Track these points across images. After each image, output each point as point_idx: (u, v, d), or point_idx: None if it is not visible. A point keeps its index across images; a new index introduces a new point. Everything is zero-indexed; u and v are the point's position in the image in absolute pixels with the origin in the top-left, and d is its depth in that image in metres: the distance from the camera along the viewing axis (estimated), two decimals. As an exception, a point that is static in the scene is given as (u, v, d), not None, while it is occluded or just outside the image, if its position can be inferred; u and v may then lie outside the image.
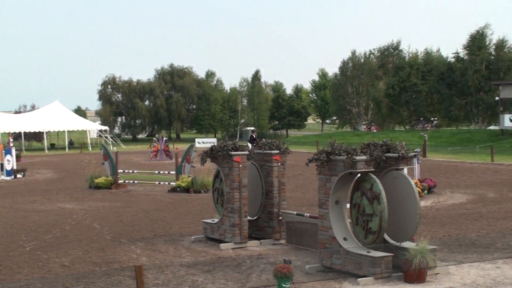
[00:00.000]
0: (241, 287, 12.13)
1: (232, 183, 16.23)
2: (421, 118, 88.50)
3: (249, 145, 40.93)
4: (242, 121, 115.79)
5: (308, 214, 15.89)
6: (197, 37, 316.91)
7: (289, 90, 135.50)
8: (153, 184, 32.22)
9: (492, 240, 16.47)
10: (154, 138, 60.65)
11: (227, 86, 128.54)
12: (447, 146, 61.84)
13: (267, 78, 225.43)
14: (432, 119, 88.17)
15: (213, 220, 17.41)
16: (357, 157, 12.63)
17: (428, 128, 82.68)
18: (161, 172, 34.45)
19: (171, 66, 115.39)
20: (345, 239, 13.07)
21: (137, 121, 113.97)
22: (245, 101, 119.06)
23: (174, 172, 31.25)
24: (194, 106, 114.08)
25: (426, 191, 26.22)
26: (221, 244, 16.29)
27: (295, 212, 16.67)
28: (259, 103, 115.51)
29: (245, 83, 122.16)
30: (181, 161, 30.80)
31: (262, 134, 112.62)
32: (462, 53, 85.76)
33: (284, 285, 11.53)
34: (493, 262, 13.88)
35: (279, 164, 16.81)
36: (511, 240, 16.40)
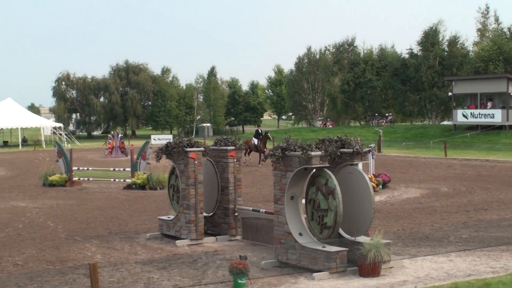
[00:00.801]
0: (197, 284, 12.11)
1: (188, 180, 16.19)
2: (376, 114, 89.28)
3: (255, 140, 41.07)
4: (198, 117, 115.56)
5: (263, 210, 15.92)
6: (153, 33, 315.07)
7: (245, 86, 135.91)
8: (108, 181, 31.98)
9: (445, 234, 16.69)
10: (109, 135, 60.11)
11: (183, 82, 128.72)
12: (402, 141, 62.49)
13: (223, 74, 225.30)
14: (386, 114, 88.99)
15: (169, 217, 17.36)
16: (312, 153, 12.68)
17: (383, 123, 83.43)
18: (116, 169, 34.23)
19: (126, 62, 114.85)
20: (300, 234, 13.12)
21: (92, 117, 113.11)
22: (201, 97, 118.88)
23: (129, 169, 31.06)
24: (149, 102, 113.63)
25: (380, 186, 26.45)
26: (177, 241, 16.24)
27: (251, 208, 16.69)
28: (215, 99, 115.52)
29: (201, 80, 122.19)
30: (136, 158, 30.65)
31: (218, 130, 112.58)
32: (416, 49, 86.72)
33: (240, 281, 11.55)
34: (446, 255, 14.07)
35: (235, 160, 16.82)
36: (464, 234, 16.64)
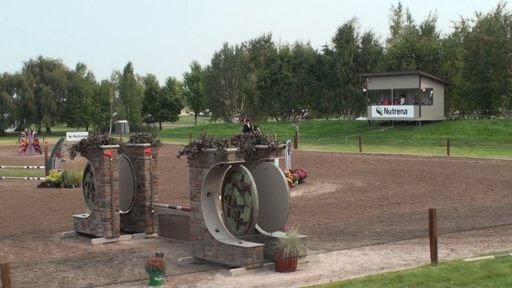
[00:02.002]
0: (112, 282, 12.00)
1: (103, 177, 16.03)
2: (293, 110, 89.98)
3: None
4: (115, 114, 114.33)
5: (180, 207, 15.89)
6: (67, 28, 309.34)
7: (162, 83, 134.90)
8: (21, 180, 31.34)
9: (359, 228, 16.99)
10: (22, 132, 58.91)
11: (99, 78, 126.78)
12: (318, 137, 63.21)
13: (140, 70, 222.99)
14: (303, 110, 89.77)
15: (84, 215, 17.16)
16: (228, 149, 12.73)
17: (299, 119, 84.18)
18: (30, 167, 33.63)
19: (40, 58, 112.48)
20: (217, 230, 13.15)
21: (4, 114, 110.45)
22: (117, 94, 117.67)
23: (43, 167, 30.54)
24: (64, 99, 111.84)
25: (297, 182, 26.71)
26: (93, 239, 16.07)
27: (168, 205, 16.65)
28: (132, 96, 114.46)
29: (117, 76, 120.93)
30: (51, 155, 30.16)
31: (135, 127, 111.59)
32: (331, 46, 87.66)
33: (156, 279, 11.52)
34: (361, 249, 14.33)
35: (151, 157, 16.73)
36: (378, 227, 16.98)
